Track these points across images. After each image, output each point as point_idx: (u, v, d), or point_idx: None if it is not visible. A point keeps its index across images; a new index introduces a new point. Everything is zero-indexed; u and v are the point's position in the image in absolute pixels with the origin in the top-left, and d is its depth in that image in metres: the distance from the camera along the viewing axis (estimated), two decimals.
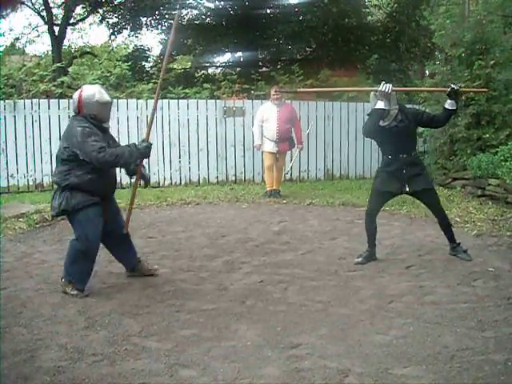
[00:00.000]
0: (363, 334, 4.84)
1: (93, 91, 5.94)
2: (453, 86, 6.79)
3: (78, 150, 5.69)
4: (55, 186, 6.15)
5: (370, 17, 23.44)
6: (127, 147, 5.98)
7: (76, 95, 5.95)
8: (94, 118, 5.89)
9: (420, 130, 14.11)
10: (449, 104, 6.81)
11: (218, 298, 5.85)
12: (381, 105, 6.66)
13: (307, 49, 22.09)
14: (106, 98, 6.02)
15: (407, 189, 7.02)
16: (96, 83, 13.93)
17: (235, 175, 13.99)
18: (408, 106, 14.51)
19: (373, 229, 7.24)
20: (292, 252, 7.61)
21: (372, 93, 6.99)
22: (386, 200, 7.35)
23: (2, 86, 13.57)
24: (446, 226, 7.31)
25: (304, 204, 11.09)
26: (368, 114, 6.99)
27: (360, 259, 7.11)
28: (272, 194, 11.67)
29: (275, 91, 11.38)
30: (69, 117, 12.76)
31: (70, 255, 6.00)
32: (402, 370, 4.17)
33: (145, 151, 6.00)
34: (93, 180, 5.87)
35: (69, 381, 4.09)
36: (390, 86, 6.61)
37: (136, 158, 6.00)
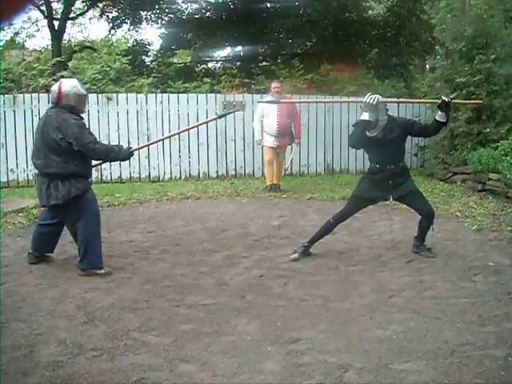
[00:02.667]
0: (363, 329, 4.84)
1: (72, 83, 6.51)
2: (444, 98, 6.66)
3: (73, 140, 6.13)
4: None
5: (370, 11, 23.38)
6: (116, 146, 6.83)
7: (56, 87, 6.40)
8: (72, 109, 6.35)
9: None
10: (439, 116, 6.72)
11: (217, 293, 5.85)
12: (366, 116, 6.65)
13: (307, 43, 22.04)
14: (83, 90, 6.58)
15: (391, 197, 7.04)
16: (96, 77, 14.04)
17: (235, 169, 13.98)
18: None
19: (330, 229, 7.22)
20: (292, 247, 7.57)
21: (361, 106, 6.94)
22: (365, 206, 7.28)
23: (1, 81, 13.57)
24: (428, 226, 7.18)
25: (304, 198, 11.09)
26: (353, 125, 6.95)
27: (295, 255, 7.08)
28: (272, 188, 11.67)
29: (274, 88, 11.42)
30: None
31: (87, 237, 6.41)
32: (402, 364, 4.17)
33: (129, 155, 6.84)
34: (86, 168, 6.51)
35: (68, 376, 4.08)
36: (377, 97, 6.58)
37: (121, 157, 6.76)
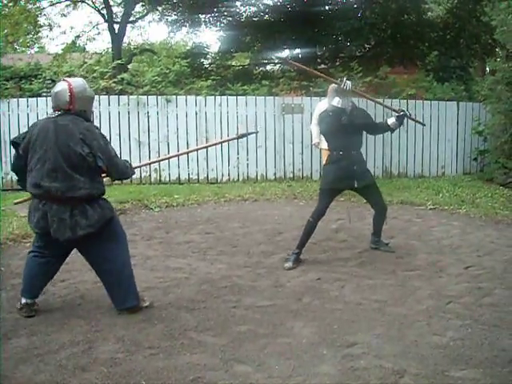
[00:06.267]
0: (420, 335, 4.80)
1: (83, 84, 5.37)
2: (405, 111, 7.04)
3: (101, 154, 5.08)
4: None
5: (429, 13, 23.04)
6: (126, 161, 5.59)
7: (64, 87, 5.19)
8: (83, 116, 5.27)
9: (480, 128, 13.93)
10: (392, 124, 6.99)
11: (274, 295, 5.87)
12: (337, 102, 6.94)
13: (366, 45, 21.86)
14: (93, 92, 5.63)
15: (356, 185, 7.08)
16: (155, 79, 14.22)
17: (293, 172, 13.97)
18: (469, 102, 14.42)
19: (313, 229, 7.16)
20: (349, 250, 7.59)
21: (333, 90, 7.27)
22: (336, 196, 7.38)
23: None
24: (382, 220, 7.52)
25: (362, 202, 10.95)
26: (330, 112, 7.05)
27: (289, 263, 6.93)
28: None
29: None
30: (119, 113, 13.00)
31: (126, 270, 5.45)
32: (458, 372, 4.13)
33: (133, 173, 5.65)
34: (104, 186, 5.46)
35: (125, 373, 4.17)
36: (350, 83, 6.86)
37: (131, 175, 5.62)
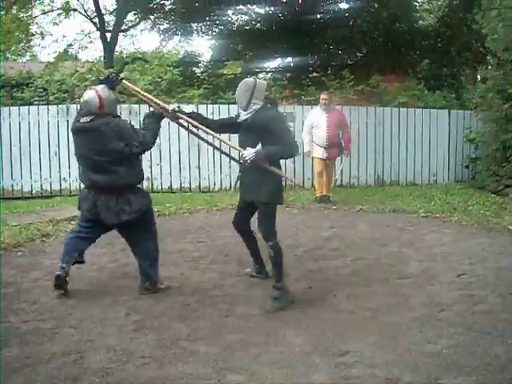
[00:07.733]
0: (413, 343, 4.79)
1: (107, 90, 6.01)
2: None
3: (134, 141, 5.84)
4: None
5: (420, 21, 23.18)
6: (146, 117, 6.39)
7: (93, 94, 5.82)
8: (112, 115, 5.98)
9: (472, 135, 13.97)
10: None
11: (266, 304, 5.84)
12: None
13: (358, 54, 21.98)
14: (117, 94, 6.38)
15: (246, 197, 6.31)
16: (147, 88, 14.22)
17: (285, 180, 13.94)
18: (460, 110, 14.44)
19: (249, 240, 6.66)
20: (341, 258, 7.58)
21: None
22: (243, 206, 6.50)
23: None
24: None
25: (354, 210, 11.03)
26: None
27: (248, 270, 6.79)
28: (322, 199, 11.61)
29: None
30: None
31: (155, 251, 6.24)
32: (451, 379, 4.12)
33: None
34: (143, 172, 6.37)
35: (117, 382, 4.15)
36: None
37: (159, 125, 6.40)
